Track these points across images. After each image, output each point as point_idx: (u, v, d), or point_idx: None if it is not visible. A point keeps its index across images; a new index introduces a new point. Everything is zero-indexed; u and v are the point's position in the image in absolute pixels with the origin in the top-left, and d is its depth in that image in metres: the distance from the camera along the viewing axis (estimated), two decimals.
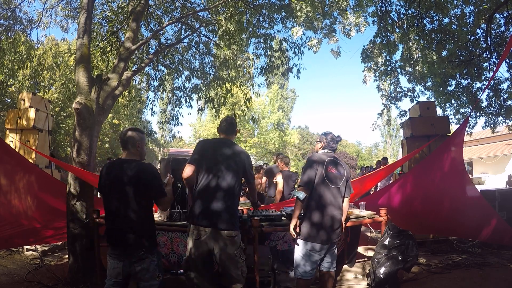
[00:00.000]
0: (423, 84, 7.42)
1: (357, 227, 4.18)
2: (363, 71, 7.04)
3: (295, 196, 2.74)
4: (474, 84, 7.02)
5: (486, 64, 6.60)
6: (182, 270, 3.85)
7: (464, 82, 7.05)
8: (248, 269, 2.67)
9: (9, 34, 6.90)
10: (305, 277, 2.60)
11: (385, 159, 9.98)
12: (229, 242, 2.38)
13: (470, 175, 10.69)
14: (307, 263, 2.60)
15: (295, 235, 2.66)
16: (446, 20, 6.39)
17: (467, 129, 6.38)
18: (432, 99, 7.26)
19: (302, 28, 5.64)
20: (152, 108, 7.99)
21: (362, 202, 3.87)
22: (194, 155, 2.52)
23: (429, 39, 6.15)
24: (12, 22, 6.94)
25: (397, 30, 6.57)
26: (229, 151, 2.55)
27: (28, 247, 4.53)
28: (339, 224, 2.68)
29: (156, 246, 2.27)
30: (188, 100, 7.77)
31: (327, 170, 2.68)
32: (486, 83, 6.59)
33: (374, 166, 11.70)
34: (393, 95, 7.53)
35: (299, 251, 2.66)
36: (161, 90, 7.92)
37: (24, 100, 5.78)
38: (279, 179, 5.10)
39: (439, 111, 6.92)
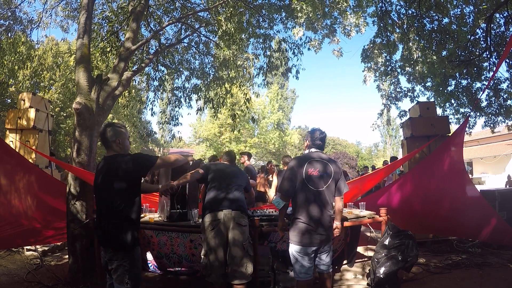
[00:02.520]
0: (423, 84, 7.43)
1: (357, 227, 4.18)
2: (363, 71, 7.06)
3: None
4: (474, 84, 7.02)
5: (486, 64, 6.61)
6: (182, 269, 3.86)
7: (464, 82, 7.06)
8: None
9: (9, 34, 6.89)
10: (301, 278, 2.59)
11: (394, 158, 9.71)
12: (239, 231, 2.65)
13: (470, 175, 10.69)
14: (298, 265, 2.58)
15: (283, 235, 2.82)
16: (446, 20, 6.39)
17: (466, 129, 6.38)
18: (432, 99, 7.26)
19: (303, 28, 5.64)
20: (152, 108, 8.01)
21: (362, 202, 3.87)
22: (204, 171, 2.97)
23: (429, 39, 6.15)
24: (12, 22, 6.93)
25: (397, 30, 6.57)
26: (234, 173, 3.07)
27: (28, 247, 4.54)
28: (325, 227, 2.59)
29: (129, 251, 2.11)
30: (188, 100, 7.78)
31: (308, 174, 2.59)
32: (486, 83, 6.60)
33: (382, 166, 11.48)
34: (393, 95, 7.53)
35: (290, 253, 2.67)
36: (161, 90, 7.92)
37: (24, 100, 5.78)
38: (274, 179, 5.31)
39: (439, 111, 6.92)
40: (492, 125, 7.45)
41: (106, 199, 2.15)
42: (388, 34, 6.61)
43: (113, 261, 2.09)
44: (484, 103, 7.08)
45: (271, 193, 5.35)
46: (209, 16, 6.72)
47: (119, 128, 2.26)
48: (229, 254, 2.64)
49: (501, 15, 6.28)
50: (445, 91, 7.13)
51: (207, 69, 7.64)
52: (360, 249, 4.67)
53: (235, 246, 2.64)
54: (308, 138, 2.79)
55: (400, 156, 10.13)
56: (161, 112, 14.65)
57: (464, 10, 6.35)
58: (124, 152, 2.24)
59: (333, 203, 2.74)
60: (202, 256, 2.70)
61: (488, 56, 6.34)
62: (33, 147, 5.46)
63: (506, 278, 3.52)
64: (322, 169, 2.63)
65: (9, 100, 14.52)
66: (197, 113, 8.80)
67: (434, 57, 6.14)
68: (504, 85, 6.88)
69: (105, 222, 2.14)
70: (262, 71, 7.04)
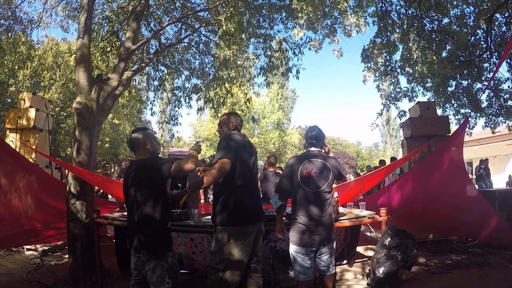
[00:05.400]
0: (422, 84, 7.42)
1: (357, 227, 4.18)
2: (363, 71, 7.05)
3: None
4: (474, 85, 7.03)
5: (486, 64, 6.61)
6: (183, 270, 3.86)
7: (465, 83, 7.07)
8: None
9: (10, 34, 6.90)
10: (301, 279, 2.58)
11: (393, 159, 9.66)
12: (261, 239, 2.50)
13: (470, 175, 10.69)
14: (298, 266, 2.58)
15: (281, 237, 2.76)
16: (446, 20, 6.40)
17: (466, 129, 6.38)
18: (432, 100, 7.26)
19: (303, 29, 5.64)
20: (151, 108, 8.03)
21: (362, 202, 3.87)
22: (230, 152, 2.29)
23: (429, 39, 6.15)
24: (12, 22, 6.94)
25: (397, 30, 6.58)
26: (254, 152, 2.53)
27: (28, 247, 4.53)
28: (325, 227, 2.56)
29: (167, 250, 2.17)
30: (187, 100, 7.78)
31: (303, 175, 2.58)
32: (487, 84, 6.60)
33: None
34: (393, 95, 7.53)
35: (290, 253, 2.66)
36: (161, 90, 7.93)
37: (24, 100, 5.79)
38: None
39: (439, 112, 6.92)
40: (492, 126, 7.45)
41: (133, 204, 2.19)
42: (388, 34, 6.61)
43: (151, 261, 2.11)
44: (484, 104, 7.08)
45: None
46: (209, 16, 6.72)
47: (143, 132, 2.32)
48: (250, 263, 2.39)
49: (501, 16, 6.28)
50: (445, 91, 7.13)
51: (207, 69, 7.65)
52: (360, 249, 4.67)
53: (255, 255, 2.43)
54: (304, 137, 2.82)
55: (400, 156, 10.13)
56: (160, 112, 14.66)
57: (464, 10, 6.36)
58: (152, 155, 2.29)
59: (334, 201, 2.73)
60: (216, 268, 2.25)
61: (489, 56, 6.34)
62: (33, 147, 5.47)
63: (506, 278, 3.52)
64: (321, 168, 2.60)
65: (9, 100, 14.55)
66: (197, 113, 8.83)
67: (434, 57, 6.14)
68: (504, 86, 6.90)
69: (135, 227, 2.18)
70: (262, 71, 7.05)
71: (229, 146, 2.29)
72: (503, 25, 6.44)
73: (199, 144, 2.42)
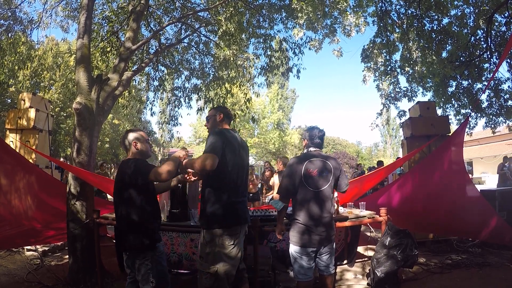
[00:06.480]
0: (421, 84, 7.42)
1: (357, 227, 4.18)
2: (363, 71, 7.04)
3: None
4: (474, 85, 7.02)
5: (486, 65, 6.60)
6: (180, 271, 3.86)
7: (465, 83, 7.06)
8: (248, 269, 2.66)
9: (10, 35, 6.91)
10: (300, 279, 2.58)
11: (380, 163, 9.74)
12: (243, 237, 2.40)
13: (470, 175, 10.68)
14: (298, 266, 2.58)
15: (281, 238, 2.77)
16: (446, 20, 6.40)
17: (467, 129, 6.37)
18: (432, 100, 7.25)
19: (303, 29, 5.64)
20: (151, 109, 8.03)
21: (362, 202, 3.87)
22: (218, 147, 2.16)
23: (429, 39, 6.15)
24: (12, 22, 6.95)
25: (397, 30, 6.57)
26: (246, 151, 2.44)
27: (28, 247, 4.54)
28: (325, 227, 2.56)
29: (150, 249, 2.17)
30: (187, 100, 7.78)
31: (307, 174, 2.57)
32: (487, 84, 6.60)
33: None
34: (393, 95, 7.52)
35: (290, 253, 2.66)
36: (161, 90, 7.93)
37: (24, 100, 5.80)
38: (275, 178, 5.23)
39: (439, 112, 6.91)
40: (493, 126, 7.45)
41: (118, 202, 2.27)
42: (388, 34, 6.61)
43: (135, 260, 2.18)
44: (484, 104, 7.08)
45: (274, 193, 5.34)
46: (209, 16, 6.72)
47: (134, 133, 2.40)
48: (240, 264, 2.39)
49: (501, 16, 6.28)
50: (446, 92, 7.12)
51: (207, 69, 7.65)
52: (360, 249, 4.67)
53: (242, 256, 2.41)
54: (306, 137, 2.75)
55: (400, 156, 10.16)
56: (160, 112, 14.65)
57: (464, 11, 6.35)
58: (143, 155, 2.36)
59: (334, 201, 2.72)
60: (208, 273, 2.17)
61: (489, 56, 6.34)
62: (33, 147, 5.47)
63: (506, 278, 3.52)
64: (322, 168, 2.60)
65: (9, 100, 14.56)
66: (197, 113, 8.78)
67: (434, 57, 6.14)
68: (505, 86, 6.89)
69: (120, 225, 2.29)
70: (263, 71, 7.04)
71: (217, 143, 2.17)
72: (503, 25, 6.44)
73: (185, 150, 2.36)
